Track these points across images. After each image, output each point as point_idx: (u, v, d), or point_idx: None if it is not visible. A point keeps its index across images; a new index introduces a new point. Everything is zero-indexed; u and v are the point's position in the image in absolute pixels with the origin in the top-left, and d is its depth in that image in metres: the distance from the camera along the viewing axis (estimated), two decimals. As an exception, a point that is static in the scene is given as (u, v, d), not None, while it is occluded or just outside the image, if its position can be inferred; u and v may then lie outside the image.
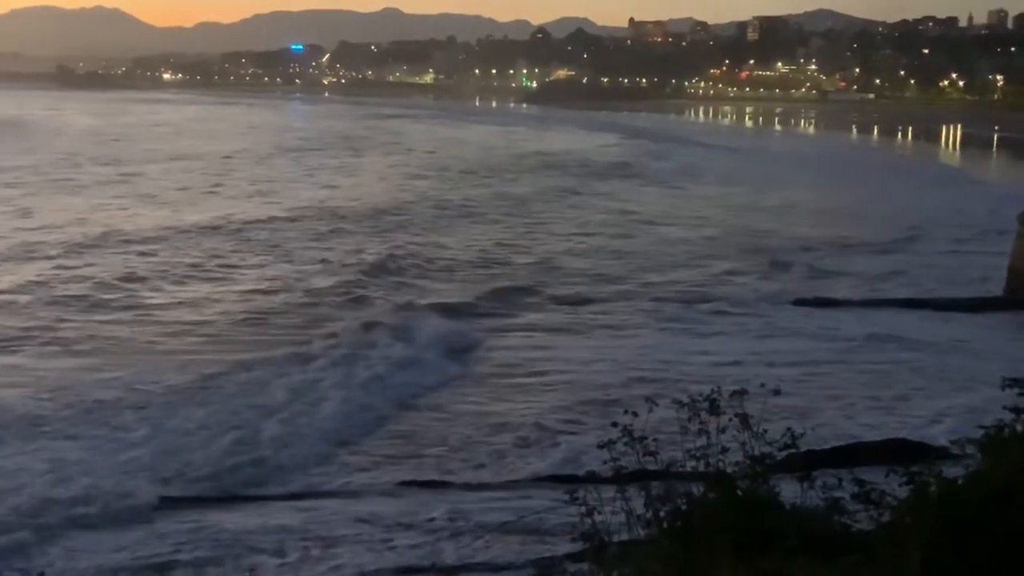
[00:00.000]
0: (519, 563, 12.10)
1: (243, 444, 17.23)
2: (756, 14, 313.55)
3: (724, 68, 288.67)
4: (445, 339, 25.05)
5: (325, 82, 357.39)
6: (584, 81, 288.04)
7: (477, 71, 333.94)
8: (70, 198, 53.20)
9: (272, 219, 45.88)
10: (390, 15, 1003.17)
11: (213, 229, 42.56)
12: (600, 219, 49.31)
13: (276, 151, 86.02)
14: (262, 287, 31.57)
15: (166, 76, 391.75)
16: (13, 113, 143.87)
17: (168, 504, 14.73)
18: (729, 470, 8.07)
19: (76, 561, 11.90)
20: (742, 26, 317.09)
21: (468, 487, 16.01)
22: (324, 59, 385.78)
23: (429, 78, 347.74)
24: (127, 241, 39.65)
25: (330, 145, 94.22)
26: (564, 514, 10.51)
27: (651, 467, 8.19)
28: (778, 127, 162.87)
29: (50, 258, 35.46)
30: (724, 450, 8.19)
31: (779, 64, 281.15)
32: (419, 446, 17.93)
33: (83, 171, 67.42)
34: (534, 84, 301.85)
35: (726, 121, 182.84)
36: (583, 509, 7.96)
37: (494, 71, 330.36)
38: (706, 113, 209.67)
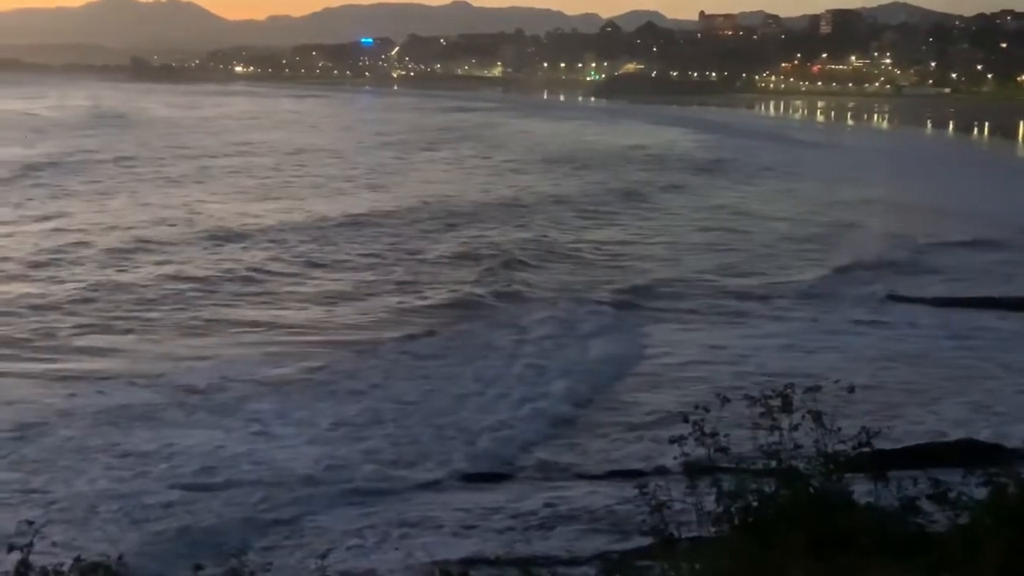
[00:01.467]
0: (584, 557, 12.08)
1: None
2: (829, 7, 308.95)
3: (796, 62, 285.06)
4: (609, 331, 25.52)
5: (394, 75, 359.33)
6: (653, 75, 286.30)
7: (545, 65, 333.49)
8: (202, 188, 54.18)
9: (391, 213, 45.75)
10: (459, 8, 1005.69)
11: (355, 223, 42.74)
12: (707, 213, 48.89)
13: (372, 145, 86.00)
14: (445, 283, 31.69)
15: (238, 69, 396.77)
16: (111, 104, 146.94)
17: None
18: (801, 467, 8.00)
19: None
20: (815, 19, 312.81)
21: (532, 479, 15.95)
22: (393, 52, 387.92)
23: (497, 71, 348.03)
24: (298, 229, 40.94)
25: (417, 139, 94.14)
26: (633, 508, 10.50)
27: (722, 463, 8.15)
28: (853, 122, 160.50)
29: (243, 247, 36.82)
30: (797, 447, 8.12)
31: (852, 58, 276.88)
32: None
33: (199, 163, 68.37)
34: (602, 77, 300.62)
35: (797, 116, 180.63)
36: (652, 503, 7.94)
37: (562, 65, 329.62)
38: (777, 108, 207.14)
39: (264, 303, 28.30)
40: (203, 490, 14.72)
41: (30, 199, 48.48)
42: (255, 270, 32.37)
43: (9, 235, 38.52)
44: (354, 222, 42.63)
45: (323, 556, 8.61)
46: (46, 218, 42.76)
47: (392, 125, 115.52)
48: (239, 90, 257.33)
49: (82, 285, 29.51)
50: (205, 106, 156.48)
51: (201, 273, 31.56)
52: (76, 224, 41.11)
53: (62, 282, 30.20)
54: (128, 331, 24.69)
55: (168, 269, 32.16)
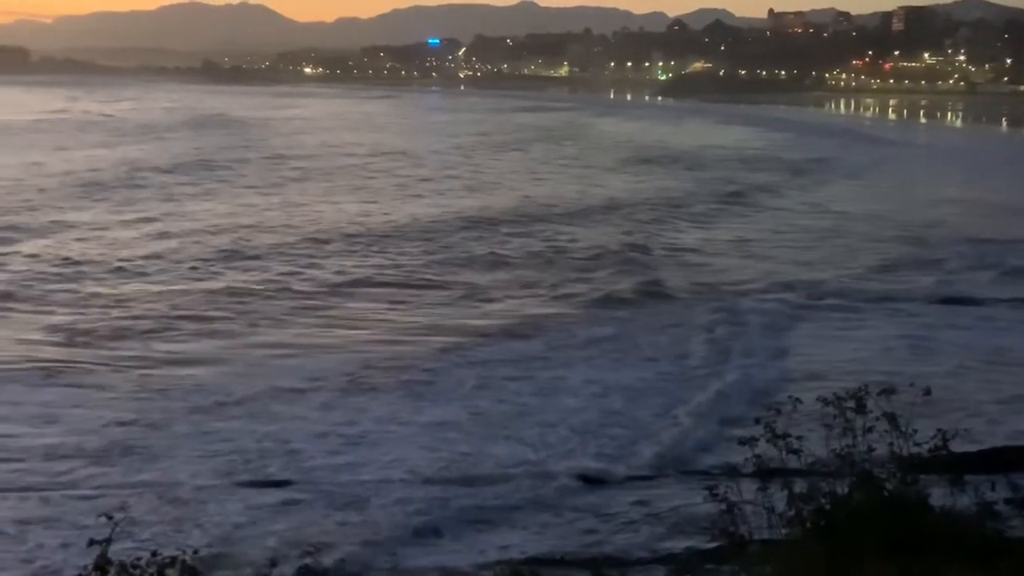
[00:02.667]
0: (651, 558, 12.00)
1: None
2: (901, 4, 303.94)
3: (867, 60, 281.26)
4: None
5: (461, 75, 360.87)
6: (721, 74, 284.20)
7: (612, 64, 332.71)
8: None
9: (500, 213, 45.48)
10: (526, 8, 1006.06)
11: (469, 224, 42.40)
12: (818, 215, 48.16)
13: (459, 147, 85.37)
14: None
15: (307, 70, 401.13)
16: (210, 105, 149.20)
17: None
18: (875, 471, 7.90)
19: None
20: (887, 16, 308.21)
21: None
22: (460, 52, 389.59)
23: (564, 71, 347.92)
24: (468, 227, 41.26)
25: (501, 141, 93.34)
26: (703, 508, 10.42)
27: (793, 465, 8.07)
28: (927, 120, 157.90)
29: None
30: (870, 450, 8.02)
31: (925, 55, 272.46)
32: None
33: (312, 163, 68.56)
34: (669, 76, 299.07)
35: (869, 115, 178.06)
36: (723, 505, 7.88)
37: (629, 64, 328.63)
38: (848, 106, 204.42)
39: (440, 304, 28.18)
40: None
41: (170, 198, 49.14)
42: (403, 271, 32.29)
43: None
44: (468, 224, 42.19)
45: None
46: (231, 213, 44.29)
47: (471, 127, 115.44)
48: (310, 91, 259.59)
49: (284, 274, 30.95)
50: (282, 107, 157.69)
51: (365, 274, 31.87)
52: (229, 221, 41.70)
53: (262, 271, 31.31)
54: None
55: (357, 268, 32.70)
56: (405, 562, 11.63)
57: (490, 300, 28.30)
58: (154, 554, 5.62)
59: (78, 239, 36.61)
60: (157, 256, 33.77)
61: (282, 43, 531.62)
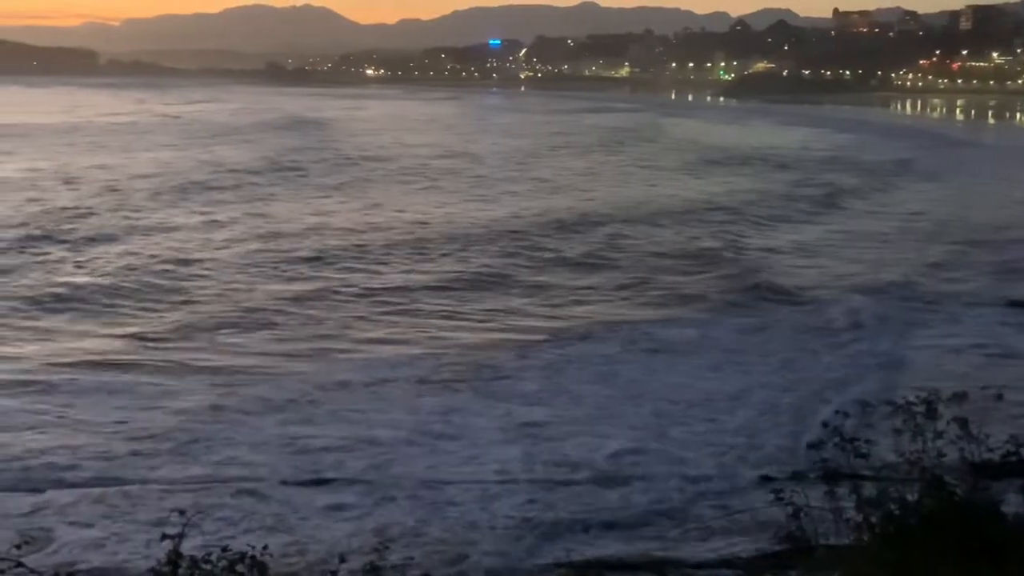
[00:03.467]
0: (716, 560, 11.92)
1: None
2: (969, 3, 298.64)
3: (934, 59, 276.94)
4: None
5: (521, 76, 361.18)
6: (784, 74, 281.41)
7: (673, 64, 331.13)
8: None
9: (590, 213, 45.45)
10: (587, 9, 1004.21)
11: (558, 225, 42.46)
12: (906, 216, 47.44)
13: (536, 149, 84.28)
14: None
15: (369, 72, 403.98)
16: (278, 107, 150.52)
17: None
18: (945, 476, 7.78)
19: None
20: (954, 15, 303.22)
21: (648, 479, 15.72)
22: (521, 53, 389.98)
23: (624, 72, 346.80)
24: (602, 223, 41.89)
25: (576, 143, 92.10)
26: (767, 513, 10.33)
27: (862, 470, 7.97)
28: (998, 121, 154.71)
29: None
30: (940, 455, 7.90)
31: (994, 55, 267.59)
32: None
33: (396, 163, 68.78)
34: (732, 77, 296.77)
35: (936, 115, 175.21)
36: (789, 510, 7.80)
37: (690, 64, 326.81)
38: (914, 107, 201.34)
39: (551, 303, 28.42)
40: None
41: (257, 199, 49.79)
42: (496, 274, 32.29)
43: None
44: (558, 224, 42.22)
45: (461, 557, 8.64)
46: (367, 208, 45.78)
47: (539, 128, 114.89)
48: (372, 93, 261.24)
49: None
50: (348, 109, 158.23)
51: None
52: (317, 221, 42.24)
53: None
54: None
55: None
56: (485, 561, 11.71)
57: (594, 302, 28.26)
58: (224, 549, 5.69)
59: (185, 240, 37.06)
60: (271, 251, 34.65)
61: (344, 45, 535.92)
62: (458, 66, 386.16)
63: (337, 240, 37.28)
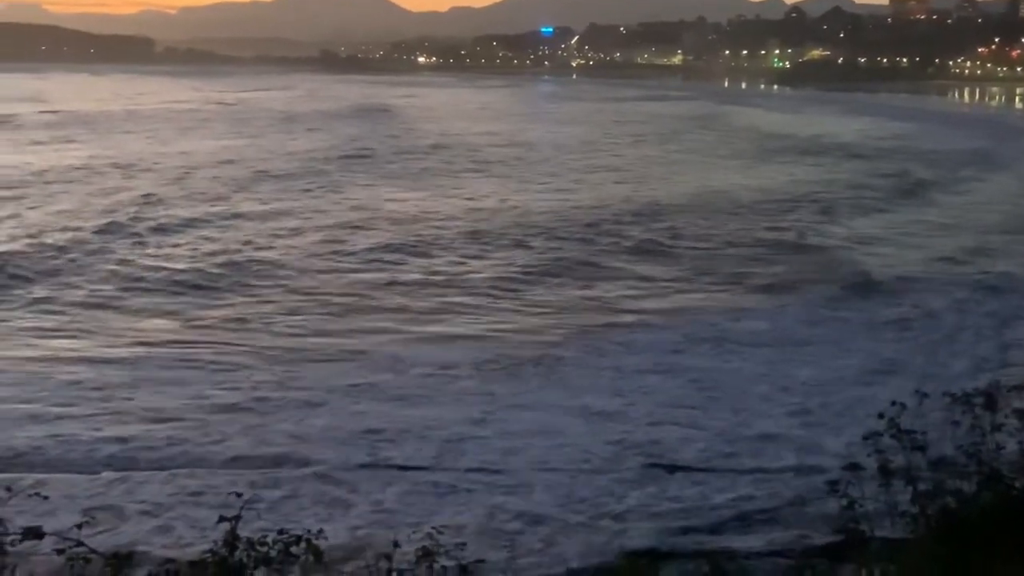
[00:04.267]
0: (769, 550, 11.84)
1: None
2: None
3: (992, 47, 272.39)
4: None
5: (573, 64, 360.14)
6: (839, 61, 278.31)
7: (726, 52, 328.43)
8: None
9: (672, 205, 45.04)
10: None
11: (639, 213, 42.32)
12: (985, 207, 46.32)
13: (603, 137, 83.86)
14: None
15: (420, 59, 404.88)
16: (337, 95, 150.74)
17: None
18: (1004, 470, 7.67)
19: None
20: (1013, 2, 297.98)
21: (712, 470, 15.60)
22: (573, 41, 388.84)
23: (677, 60, 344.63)
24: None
25: (640, 132, 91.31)
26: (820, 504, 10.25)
27: (919, 462, 7.87)
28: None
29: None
30: (999, 448, 7.79)
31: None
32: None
33: (477, 155, 67.86)
34: (786, 65, 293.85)
35: (995, 103, 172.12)
36: (843, 501, 7.72)
37: (744, 52, 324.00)
38: (972, 95, 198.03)
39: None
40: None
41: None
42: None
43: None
44: (638, 212, 41.90)
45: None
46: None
47: (598, 116, 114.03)
48: (425, 81, 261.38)
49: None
50: (404, 96, 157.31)
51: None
52: (402, 209, 42.39)
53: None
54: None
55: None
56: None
57: (690, 291, 28.17)
58: (281, 532, 5.75)
59: (280, 227, 37.43)
60: (356, 238, 34.94)
61: (396, 32, 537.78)
62: (510, 54, 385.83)
63: (420, 227, 37.40)
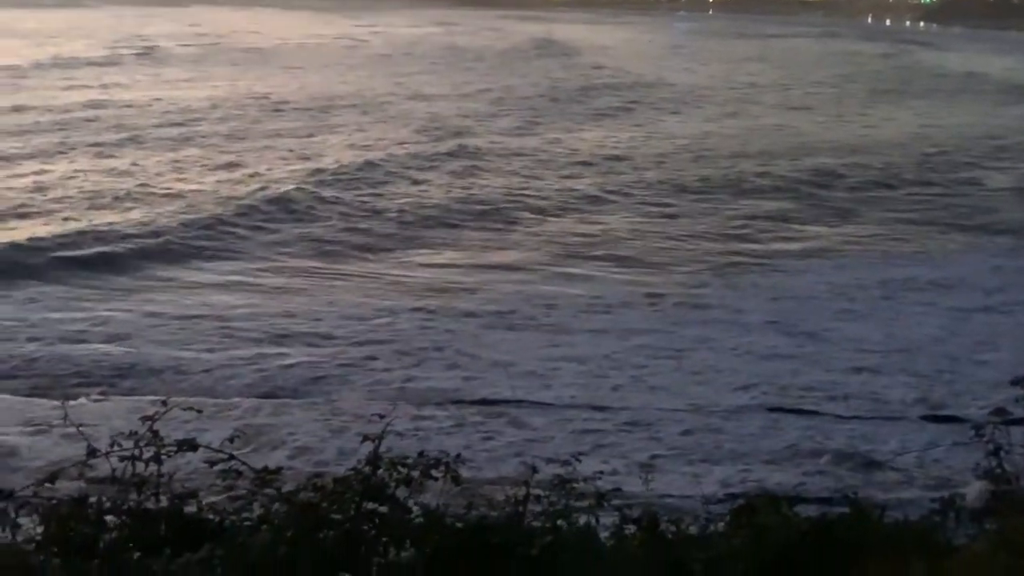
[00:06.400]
0: (905, 501, 11.63)
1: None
2: None
3: None
4: None
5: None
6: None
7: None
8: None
9: None
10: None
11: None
12: None
13: (807, 82, 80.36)
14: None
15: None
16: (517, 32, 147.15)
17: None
18: None
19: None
20: None
21: (840, 418, 15.39)
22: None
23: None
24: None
25: (840, 74, 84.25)
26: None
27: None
28: None
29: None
30: None
31: None
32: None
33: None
34: (933, 0, 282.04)
35: None
36: (990, 447, 7.52)
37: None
38: None
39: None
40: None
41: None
42: None
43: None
44: (855, 149, 41.50)
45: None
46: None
47: (768, 52, 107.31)
48: (560, 16, 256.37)
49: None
50: (552, 31, 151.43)
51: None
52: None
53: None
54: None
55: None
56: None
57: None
58: (421, 454, 5.85)
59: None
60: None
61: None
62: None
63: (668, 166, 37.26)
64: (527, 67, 76.80)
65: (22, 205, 27.78)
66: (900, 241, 27.28)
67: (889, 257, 25.41)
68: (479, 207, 29.46)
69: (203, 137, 39.68)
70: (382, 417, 5.96)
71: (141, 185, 30.74)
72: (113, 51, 72.37)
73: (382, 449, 5.83)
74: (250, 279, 22.11)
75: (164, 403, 5.78)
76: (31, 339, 17.47)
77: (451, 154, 37.18)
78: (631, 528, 5.94)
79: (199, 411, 6.82)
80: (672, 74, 75.88)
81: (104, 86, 53.36)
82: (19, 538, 5.14)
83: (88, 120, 42.25)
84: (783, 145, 42.22)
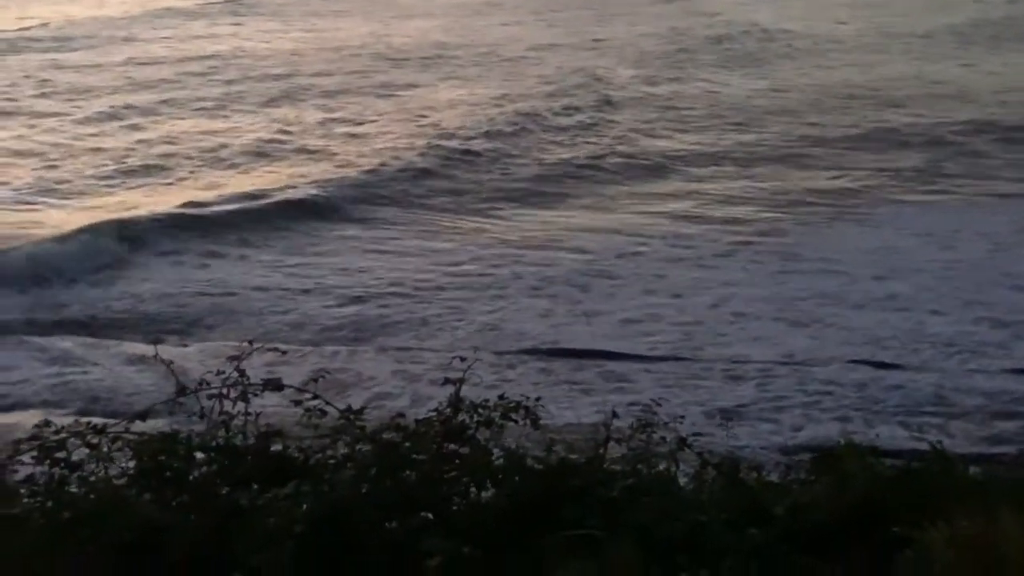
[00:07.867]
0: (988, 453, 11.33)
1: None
2: None
3: None
4: None
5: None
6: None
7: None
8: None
9: None
10: None
11: None
12: None
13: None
14: None
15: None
16: None
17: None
18: None
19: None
20: None
21: (923, 369, 14.93)
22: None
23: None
24: None
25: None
26: None
27: None
28: None
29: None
30: None
31: None
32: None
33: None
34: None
35: None
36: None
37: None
38: None
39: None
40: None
41: None
42: None
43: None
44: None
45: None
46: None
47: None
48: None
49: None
50: None
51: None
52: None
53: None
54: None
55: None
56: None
57: None
58: (501, 397, 5.91)
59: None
60: None
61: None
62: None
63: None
64: (641, 14, 73.97)
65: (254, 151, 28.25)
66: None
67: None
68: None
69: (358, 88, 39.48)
70: (463, 360, 6.02)
71: (323, 136, 30.34)
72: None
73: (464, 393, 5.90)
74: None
75: (250, 342, 5.94)
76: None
77: (597, 106, 36.01)
78: (711, 473, 5.92)
79: (282, 352, 6.94)
80: (791, 23, 72.46)
81: (233, 35, 53.01)
82: (112, 472, 5.35)
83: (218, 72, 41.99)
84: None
